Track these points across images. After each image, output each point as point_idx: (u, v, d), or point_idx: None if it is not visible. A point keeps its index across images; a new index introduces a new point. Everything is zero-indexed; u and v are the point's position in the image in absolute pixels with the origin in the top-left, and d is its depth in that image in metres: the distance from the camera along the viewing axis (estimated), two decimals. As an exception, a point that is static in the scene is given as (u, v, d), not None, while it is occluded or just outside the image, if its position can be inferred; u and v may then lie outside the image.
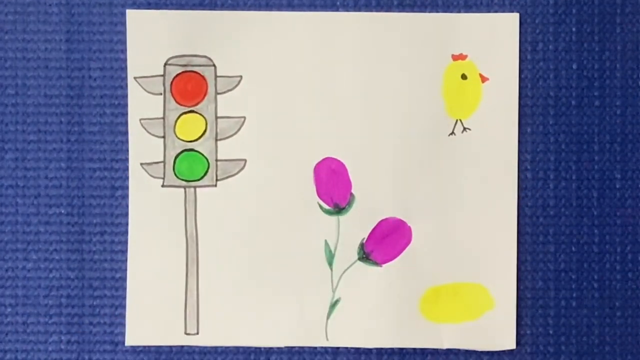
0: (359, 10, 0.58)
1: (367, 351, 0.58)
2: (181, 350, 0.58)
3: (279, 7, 0.58)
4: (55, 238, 0.58)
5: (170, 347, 0.58)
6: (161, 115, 0.58)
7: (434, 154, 0.58)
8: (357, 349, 0.58)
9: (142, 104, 0.58)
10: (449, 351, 0.57)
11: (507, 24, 0.58)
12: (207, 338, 0.58)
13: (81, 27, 0.58)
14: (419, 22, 0.58)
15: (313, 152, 0.58)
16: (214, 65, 0.58)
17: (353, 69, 0.58)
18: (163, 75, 0.58)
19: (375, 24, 0.58)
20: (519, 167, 0.58)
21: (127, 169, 0.58)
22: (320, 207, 0.58)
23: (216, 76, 0.58)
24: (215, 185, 0.58)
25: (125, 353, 0.58)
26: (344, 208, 0.58)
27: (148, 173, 0.58)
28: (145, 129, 0.58)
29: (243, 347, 0.58)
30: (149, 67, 0.58)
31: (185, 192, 0.58)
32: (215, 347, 0.58)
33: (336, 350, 0.58)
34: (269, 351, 0.58)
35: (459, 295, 0.57)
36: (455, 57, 0.58)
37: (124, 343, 0.58)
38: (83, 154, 0.58)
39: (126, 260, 0.58)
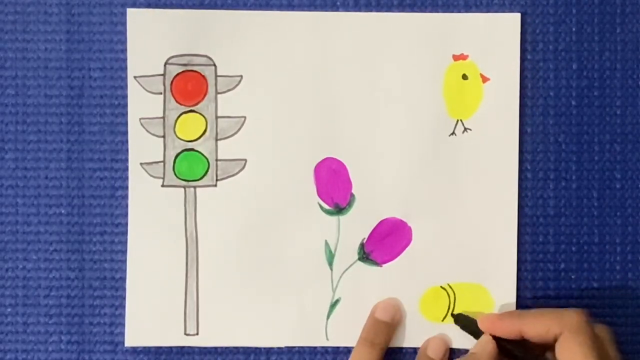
0: (359, 10, 0.58)
1: (368, 351, 0.58)
2: (181, 350, 0.58)
3: (279, 7, 0.58)
4: (55, 238, 0.58)
5: (170, 347, 0.58)
6: (161, 115, 0.58)
7: (434, 154, 0.58)
8: (358, 349, 0.58)
9: (142, 103, 0.58)
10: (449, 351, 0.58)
11: (508, 24, 0.58)
12: (206, 338, 0.58)
13: (81, 27, 0.58)
14: (419, 22, 0.58)
15: (313, 152, 0.58)
16: (214, 64, 0.58)
17: (353, 69, 0.58)
18: (163, 75, 0.58)
19: (375, 24, 0.58)
20: (519, 167, 0.58)
21: (127, 169, 0.58)
22: (321, 207, 0.58)
23: (216, 76, 0.58)
24: (215, 185, 0.58)
25: (125, 353, 0.58)
26: (344, 208, 0.58)
27: (148, 173, 0.58)
28: (145, 129, 0.58)
29: (243, 347, 0.58)
30: (149, 66, 0.57)
31: (185, 192, 0.58)
32: (215, 348, 0.58)
33: (336, 350, 0.58)
34: (269, 351, 0.58)
35: (459, 295, 0.58)
36: (456, 57, 0.58)
37: (123, 343, 0.57)
38: (83, 154, 0.58)
39: (126, 260, 0.58)
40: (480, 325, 0.55)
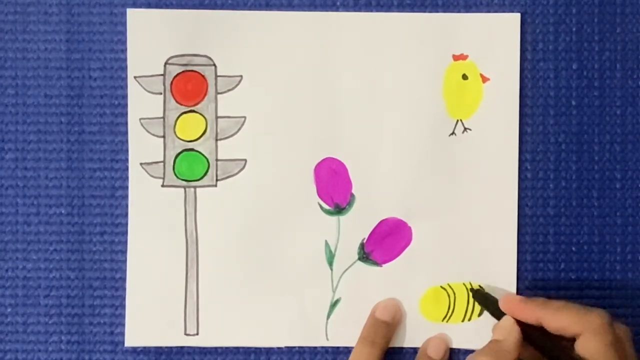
0: (359, 10, 0.58)
1: (368, 351, 0.58)
2: (181, 350, 0.58)
3: (279, 7, 0.58)
4: (55, 238, 0.58)
5: (170, 347, 0.58)
6: (161, 115, 0.58)
7: (434, 154, 0.58)
8: (358, 349, 0.58)
9: (142, 103, 0.58)
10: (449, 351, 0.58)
11: (508, 24, 0.58)
12: (207, 338, 0.58)
13: (81, 27, 0.58)
14: (419, 22, 0.58)
15: (313, 152, 0.58)
16: (214, 64, 0.58)
17: (353, 69, 0.58)
18: (163, 75, 0.58)
19: (375, 24, 0.58)
20: (519, 167, 0.58)
21: (127, 169, 0.58)
22: (321, 207, 0.58)
23: (216, 76, 0.58)
24: (215, 185, 0.58)
25: (125, 353, 0.58)
26: (344, 208, 0.58)
27: (148, 173, 0.58)
28: (145, 129, 0.58)
29: (243, 347, 0.58)
30: (149, 67, 0.57)
31: (185, 192, 0.58)
32: (215, 348, 0.58)
33: (336, 350, 0.58)
34: (269, 351, 0.58)
35: (459, 295, 0.57)
36: (456, 57, 0.58)
37: (123, 343, 0.57)
38: (83, 154, 0.58)
39: (126, 260, 0.58)
40: (502, 306, 0.54)
